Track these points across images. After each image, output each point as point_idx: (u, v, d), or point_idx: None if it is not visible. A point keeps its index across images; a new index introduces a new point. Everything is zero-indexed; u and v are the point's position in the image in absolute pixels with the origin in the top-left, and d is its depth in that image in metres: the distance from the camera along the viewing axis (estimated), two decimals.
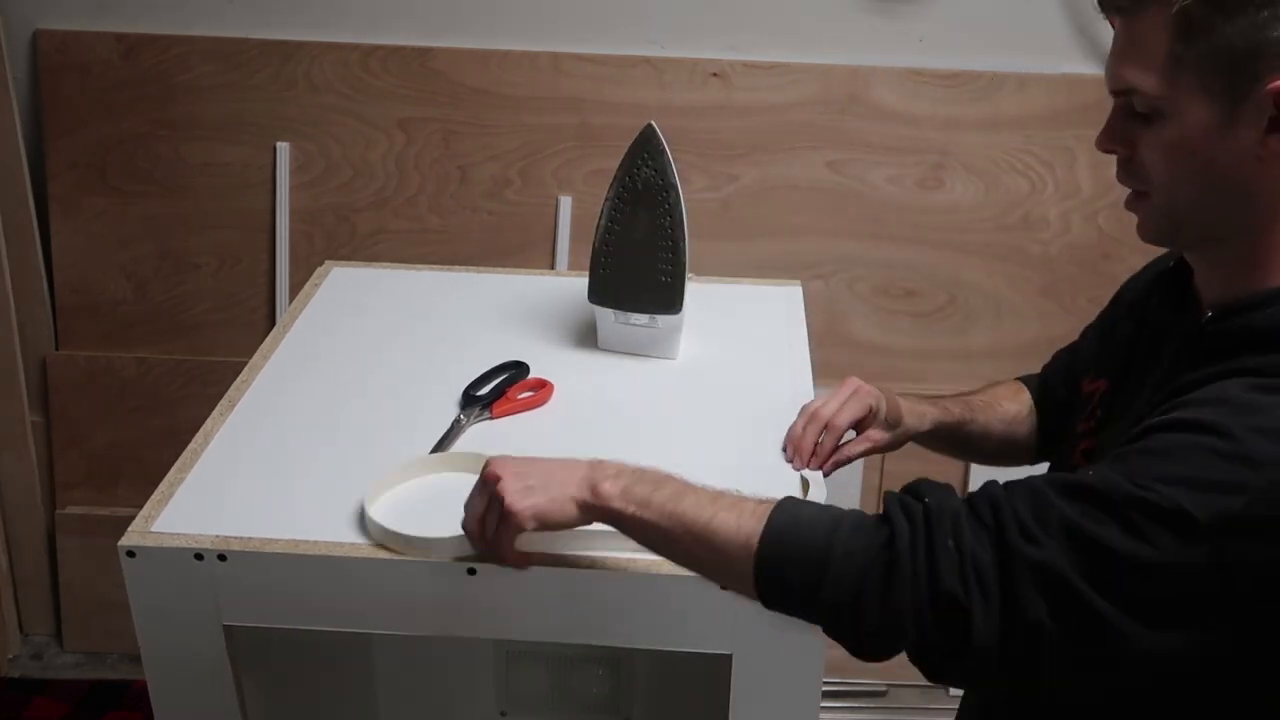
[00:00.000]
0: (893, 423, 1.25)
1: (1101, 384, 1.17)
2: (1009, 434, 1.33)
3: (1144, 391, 1.03)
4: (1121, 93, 0.95)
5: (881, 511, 0.89)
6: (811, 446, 1.20)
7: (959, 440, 1.32)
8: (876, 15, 2.19)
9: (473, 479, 1.02)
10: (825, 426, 1.20)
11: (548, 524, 0.98)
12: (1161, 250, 1.06)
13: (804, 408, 1.23)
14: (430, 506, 1.08)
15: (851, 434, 1.24)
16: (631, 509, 0.94)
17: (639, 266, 1.33)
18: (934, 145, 2.23)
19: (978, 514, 0.85)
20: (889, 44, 2.20)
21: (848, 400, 1.22)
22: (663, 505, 0.93)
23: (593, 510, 0.97)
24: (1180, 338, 1.00)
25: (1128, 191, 1.00)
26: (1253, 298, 0.93)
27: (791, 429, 1.22)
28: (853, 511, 0.90)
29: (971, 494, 0.87)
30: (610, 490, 0.95)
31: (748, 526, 0.90)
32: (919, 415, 1.28)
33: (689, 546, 0.93)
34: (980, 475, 2.36)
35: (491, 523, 0.99)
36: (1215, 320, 0.96)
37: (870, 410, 1.23)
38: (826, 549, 0.86)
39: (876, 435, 1.25)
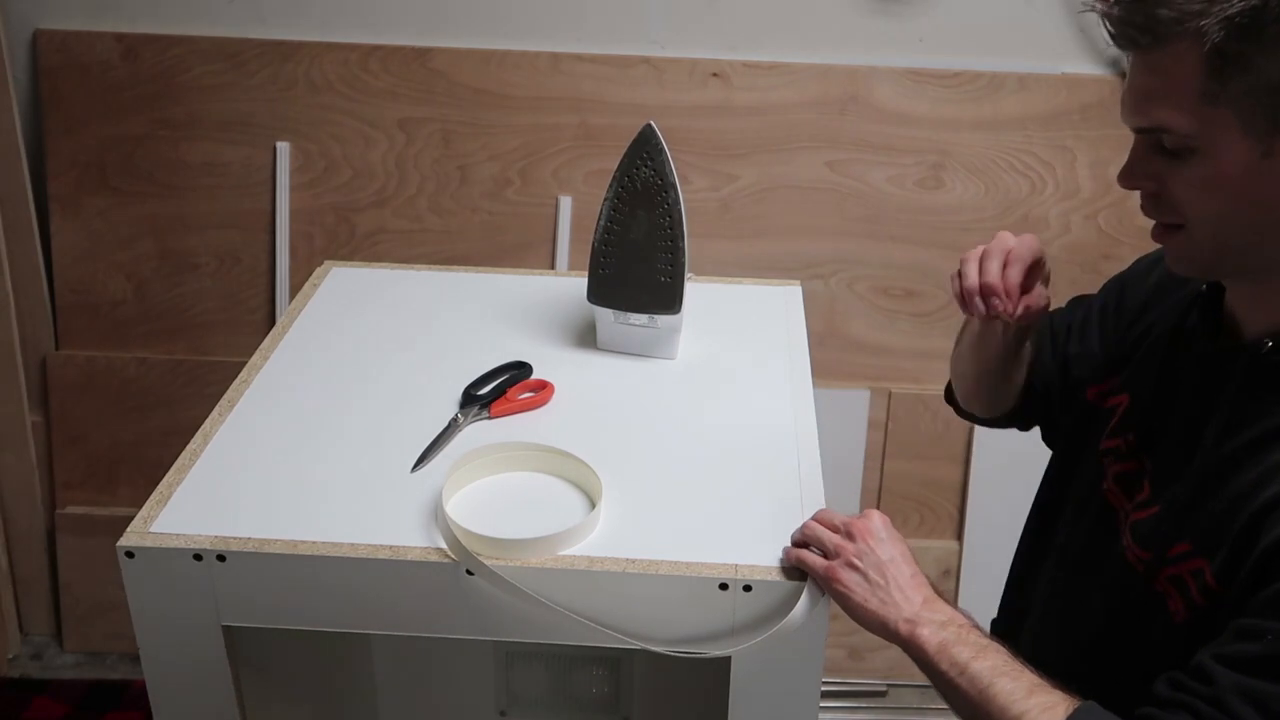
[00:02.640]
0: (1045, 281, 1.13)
1: (1124, 399, 1.12)
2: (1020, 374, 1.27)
3: (1194, 424, 1.00)
4: (1147, 130, 0.92)
5: None
6: (1004, 282, 1.07)
7: (1018, 357, 1.25)
8: (876, 15, 2.19)
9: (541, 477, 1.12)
10: (1006, 259, 1.08)
11: (848, 613, 0.99)
12: (1156, 246, 1.02)
13: (966, 257, 1.09)
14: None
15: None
16: (944, 666, 0.96)
17: (638, 266, 1.32)
18: (934, 145, 2.23)
19: None
20: (889, 44, 2.20)
21: (1021, 237, 1.10)
22: (976, 678, 0.94)
23: (900, 642, 0.98)
24: (1236, 367, 0.97)
25: (1128, 194, 0.98)
26: None
27: (964, 275, 1.09)
28: None
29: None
30: (928, 638, 0.96)
31: None
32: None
33: None
34: (980, 473, 2.37)
35: (817, 564, 1.00)
36: (1278, 349, 0.94)
37: (1042, 255, 1.11)
38: None
39: (1047, 294, 1.13)
